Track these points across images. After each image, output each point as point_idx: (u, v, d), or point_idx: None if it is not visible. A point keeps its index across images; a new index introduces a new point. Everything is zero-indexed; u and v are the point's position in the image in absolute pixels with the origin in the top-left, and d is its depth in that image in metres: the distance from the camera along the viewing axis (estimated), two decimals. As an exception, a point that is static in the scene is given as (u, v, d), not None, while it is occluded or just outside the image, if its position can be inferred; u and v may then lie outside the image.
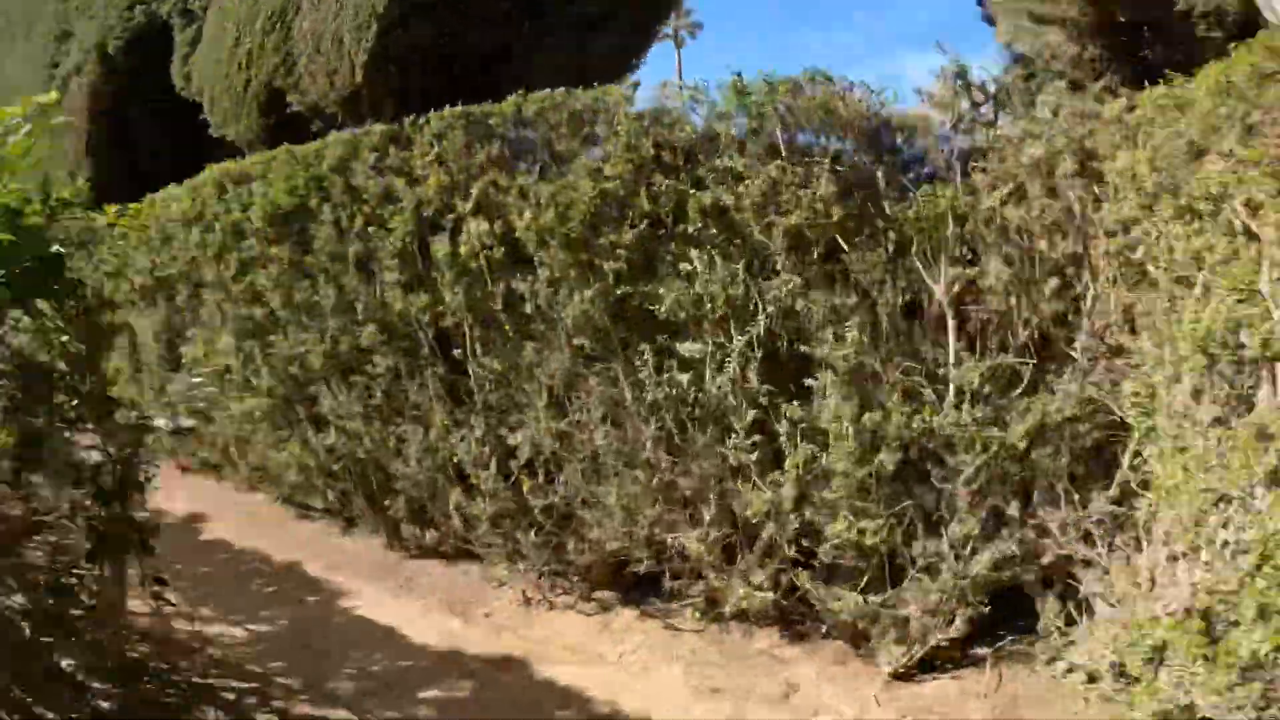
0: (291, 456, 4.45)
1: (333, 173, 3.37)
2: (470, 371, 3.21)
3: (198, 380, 5.03)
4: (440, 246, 3.02)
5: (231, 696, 2.74)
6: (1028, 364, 2.38)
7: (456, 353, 3.23)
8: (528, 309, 2.90)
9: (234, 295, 4.17)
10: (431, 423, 3.37)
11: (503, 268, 2.96)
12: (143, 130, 6.46)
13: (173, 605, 2.84)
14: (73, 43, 7.15)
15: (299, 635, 3.33)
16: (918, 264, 2.49)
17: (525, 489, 3.05)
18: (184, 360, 5.16)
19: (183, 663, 2.92)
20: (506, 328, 3.00)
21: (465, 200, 2.98)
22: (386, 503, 3.78)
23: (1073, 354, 2.36)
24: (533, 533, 3.09)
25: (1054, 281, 2.34)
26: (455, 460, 3.33)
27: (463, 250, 2.95)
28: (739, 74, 2.66)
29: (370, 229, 3.29)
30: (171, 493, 5.76)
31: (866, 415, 2.37)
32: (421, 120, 3.12)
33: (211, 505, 5.41)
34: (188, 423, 5.76)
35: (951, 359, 2.44)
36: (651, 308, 2.71)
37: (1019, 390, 2.38)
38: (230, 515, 5.18)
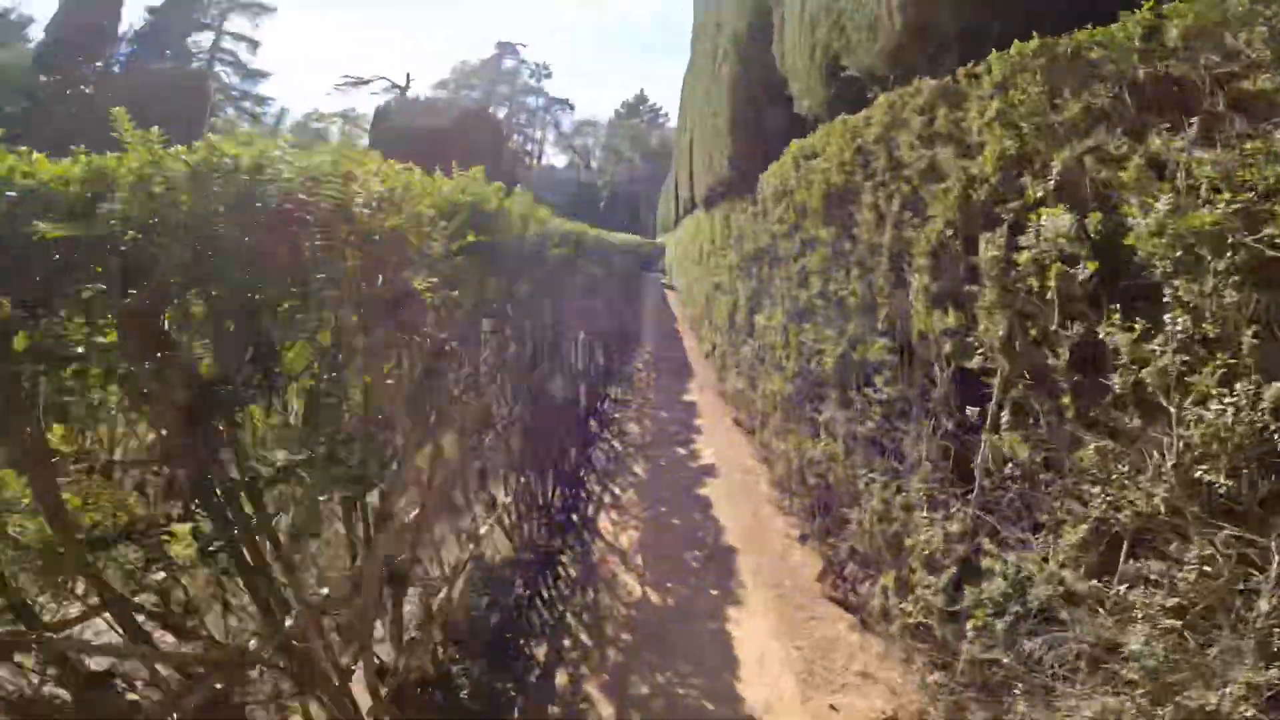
0: (789, 447, 4.26)
1: (876, 144, 2.63)
2: (983, 446, 2.03)
3: (763, 347, 5.45)
4: (991, 248, 1.89)
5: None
6: None
7: (971, 412, 2.09)
8: (1116, 383, 1.49)
9: (791, 274, 4.11)
10: (909, 502, 2.39)
11: (1086, 298, 1.61)
12: (768, 109, 6.53)
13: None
14: (721, 33, 8.22)
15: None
16: None
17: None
18: (756, 326, 5.66)
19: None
20: (1064, 400, 1.67)
21: (1039, 179, 1.73)
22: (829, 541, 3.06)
23: None
24: None
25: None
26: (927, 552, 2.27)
27: (1023, 258, 1.74)
28: None
29: (907, 215, 2.42)
30: (715, 438, 6.74)
31: None
32: (980, 67, 1.98)
33: (731, 455, 6.00)
34: (739, 385, 6.44)
35: None
36: None
37: None
38: (736, 474, 5.60)
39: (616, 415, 7.47)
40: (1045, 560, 1.75)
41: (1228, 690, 1.23)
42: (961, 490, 2.15)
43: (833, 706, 2.91)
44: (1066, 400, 1.65)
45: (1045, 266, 1.70)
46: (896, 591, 2.50)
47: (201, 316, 1.23)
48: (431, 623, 2.53)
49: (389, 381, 1.51)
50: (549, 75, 61.36)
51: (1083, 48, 1.67)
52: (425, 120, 23.21)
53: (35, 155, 1.15)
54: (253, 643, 1.48)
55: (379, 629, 2.23)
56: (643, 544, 4.38)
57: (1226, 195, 1.22)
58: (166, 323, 1.25)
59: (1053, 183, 1.68)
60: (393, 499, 1.57)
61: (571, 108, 61.14)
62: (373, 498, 1.85)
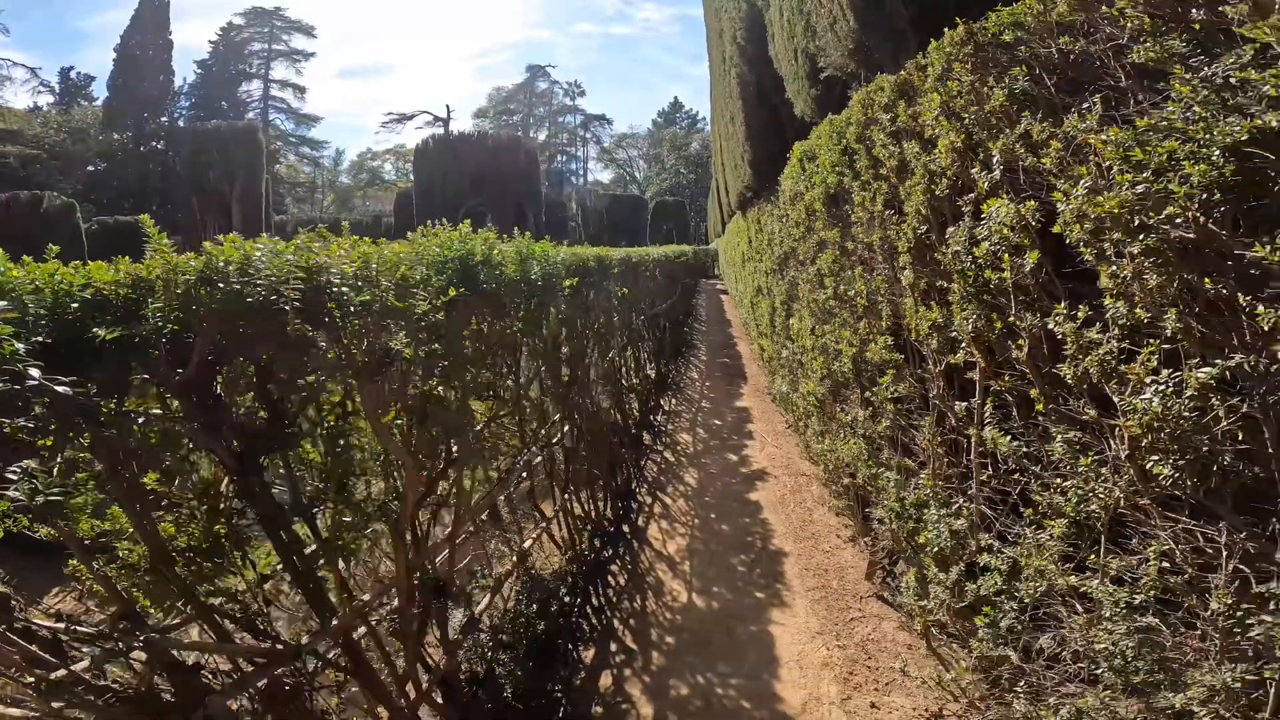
0: (825, 448, 4.26)
1: (858, 143, 2.65)
2: (970, 438, 2.04)
3: (797, 349, 5.45)
4: (954, 242, 1.91)
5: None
6: None
7: (960, 406, 2.10)
8: (1066, 373, 1.50)
9: (810, 276, 4.14)
10: (920, 499, 2.40)
11: (1040, 287, 1.62)
12: (779, 111, 6.47)
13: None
14: (725, 40, 8.15)
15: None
16: None
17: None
18: (791, 329, 5.67)
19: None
20: (1034, 393, 1.67)
21: (986, 169, 1.74)
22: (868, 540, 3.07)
23: None
24: None
25: None
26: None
27: (980, 250, 1.76)
28: None
29: (889, 213, 2.44)
30: (767, 442, 6.74)
31: None
32: (923, 58, 1.98)
33: (783, 459, 5.99)
34: (784, 388, 6.44)
35: None
36: None
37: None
38: (787, 478, 5.59)
39: (669, 427, 7.61)
40: (1034, 555, 1.75)
41: (1189, 693, 1.23)
42: (964, 486, 2.16)
43: (874, 705, 2.92)
44: (1035, 392, 1.66)
45: (1000, 257, 1.72)
46: (917, 589, 2.51)
47: (237, 383, 1.52)
48: (477, 627, 2.78)
49: (398, 424, 1.76)
50: (582, 93, 62.91)
51: (1001, 29, 1.68)
52: (462, 154, 24.41)
53: (120, 263, 1.47)
54: (305, 638, 1.76)
55: (433, 633, 2.51)
56: (691, 550, 4.49)
57: (1129, 176, 1.23)
58: (218, 388, 1.55)
59: (997, 172, 1.70)
60: (405, 519, 1.81)
61: (609, 122, 62.29)
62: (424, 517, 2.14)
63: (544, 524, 3.76)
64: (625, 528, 4.90)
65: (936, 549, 2.22)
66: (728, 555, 4.38)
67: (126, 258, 1.52)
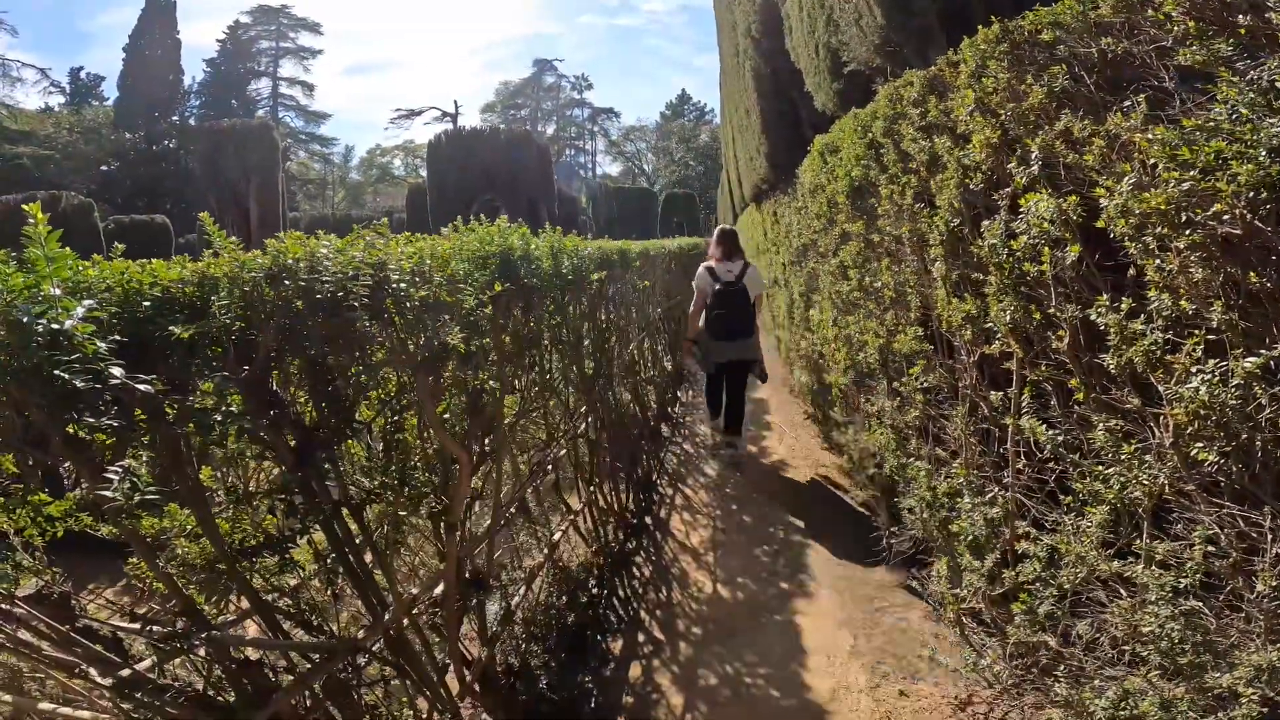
0: (849, 439, 4.28)
1: (885, 137, 2.66)
2: (1006, 427, 2.06)
3: (818, 340, 5.46)
4: (990, 236, 1.92)
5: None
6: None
7: (995, 397, 2.12)
8: (1110, 363, 1.51)
9: (833, 268, 4.15)
10: (953, 488, 2.42)
11: (1081, 279, 1.63)
12: (797, 103, 6.45)
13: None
14: (739, 32, 8.07)
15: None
16: None
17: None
18: (811, 320, 5.67)
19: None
20: (1074, 383, 1.69)
21: (1024, 165, 1.75)
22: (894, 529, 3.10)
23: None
24: None
25: None
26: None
27: (1018, 243, 1.78)
28: None
29: (919, 207, 2.46)
30: (786, 433, 6.76)
31: None
32: (955, 55, 1.99)
33: (802, 449, 6.02)
34: (803, 378, 6.45)
35: None
36: None
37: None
38: (807, 468, 5.61)
39: (686, 419, 7.65)
40: (1073, 542, 1.78)
41: (1236, 673, 1.25)
42: (999, 475, 2.18)
43: (903, 693, 2.95)
44: (1074, 382, 1.67)
45: (1039, 251, 1.73)
46: (949, 578, 2.53)
47: (297, 380, 1.57)
48: (512, 620, 2.84)
49: (445, 418, 1.80)
50: (590, 86, 62.84)
51: (1039, 28, 1.69)
52: (475, 149, 24.42)
53: (154, 264, 1.52)
54: (360, 634, 1.81)
55: (469, 626, 2.57)
56: (714, 542, 4.54)
57: (1175, 174, 1.24)
58: (274, 385, 1.60)
59: (1035, 168, 1.72)
60: (455, 512, 1.86)
61: (617, 115, 62.12)
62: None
63: (571, 516, 3.82)
64: (647, 519, 4.96)
65: (971, 537, 2.25)
66: (751, 546, 4.42)
67: (186, 255, 1.57)
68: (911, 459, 2.91)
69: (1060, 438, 1.77)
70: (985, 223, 2.04)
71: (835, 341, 4.25)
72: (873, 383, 3.60)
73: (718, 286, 5.32)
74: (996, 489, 2.15)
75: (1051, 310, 1.71)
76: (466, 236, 1.97)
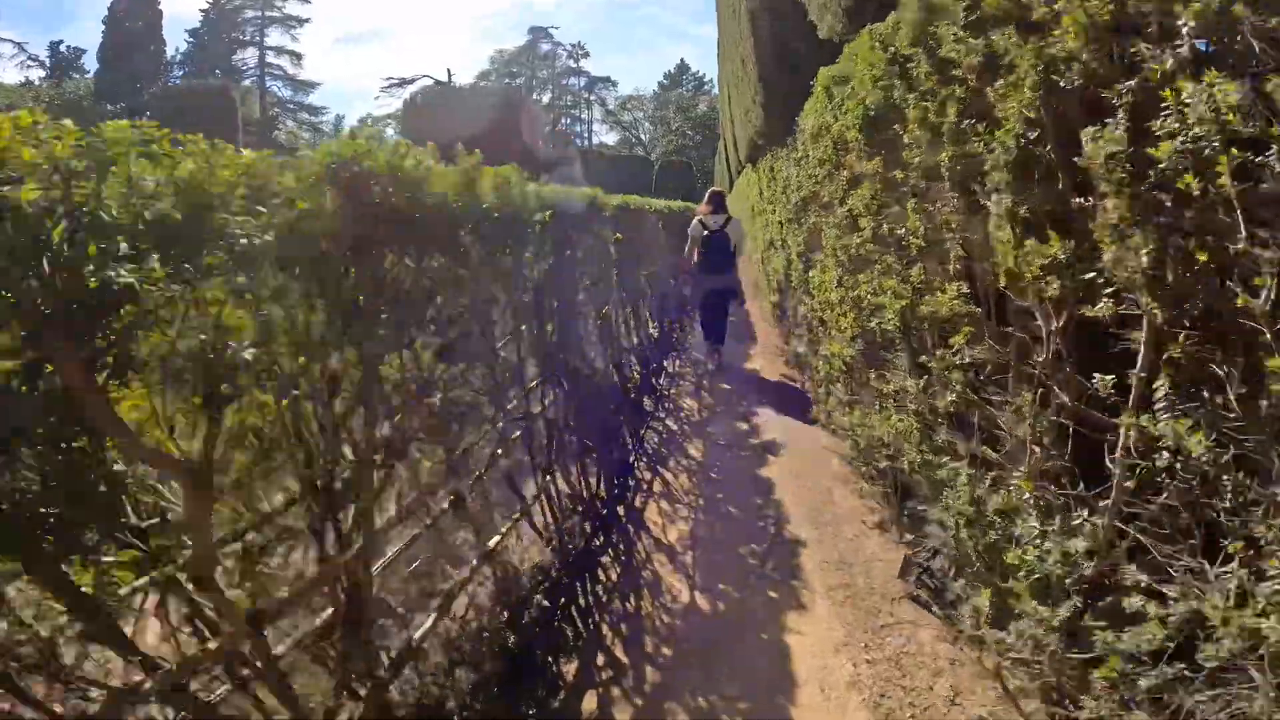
0: (854, 421, 3.63)
1: (913, 46, 1.95)
2: (1123, 431, 1.39)
3: (819, 305, 4.77)
4: (1106, 143, 1.22)
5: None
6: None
7: (1100, 381, 1.43)
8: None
9: (839, 219, 3.43)
10: (1010, 504, 1.77)
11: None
12: (794, 43, 5.95)
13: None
14: None
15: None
16: None
17: None
18: (811, 282, 4.98)
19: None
20: (1273, 363, 1.02)
21: (1169, 47, 1.05)
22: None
23: None
24: None
25: None
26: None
27: (1164, 149, 1.08)
28: None
29: (966, 124, 1.75)
30: (780, 410, 6.13)
31: None
32: None
33: (798, 430, 5.40)
34: (800, 349, 5.79)
35: None
36: None
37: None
38: (803, 451, 5.01)
39: (672, 391, 7.00)
40: (1230, 601, 1.13)
41: None
42: (1090, 491, 1.52)
43: (915, 741, 2.37)
44: (1275, 363, 1.00)
45: (1210, 159, 1.03)
46: (994, 617, 1.90)
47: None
48: (422, 648, 2.21)
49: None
50: (586, 55, 60.73)
51: None
52: (455, 109, 22.86)
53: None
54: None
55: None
56: (694, 537, 3.92)
57: None
58: None
59: (1185, 48, 1.01)
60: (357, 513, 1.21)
61: (614, 84, 60.24)
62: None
63: (518, 511, 3.18)
64: (620, 509, 4.33)
65: (1037, 575, 1.61)
66: (736, 544, 3.82)
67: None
68: (941, 456, 2.26)
69: (1224, 455, 1.10)
70: (1089, 130, 1.33)
71: (840, 305, 3.57)
72: (889, 355, 2.93)
73: (706, 233, 6.79)
74: (1085, 515, 1.50)
75: (1240, 247, 1.02)
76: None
